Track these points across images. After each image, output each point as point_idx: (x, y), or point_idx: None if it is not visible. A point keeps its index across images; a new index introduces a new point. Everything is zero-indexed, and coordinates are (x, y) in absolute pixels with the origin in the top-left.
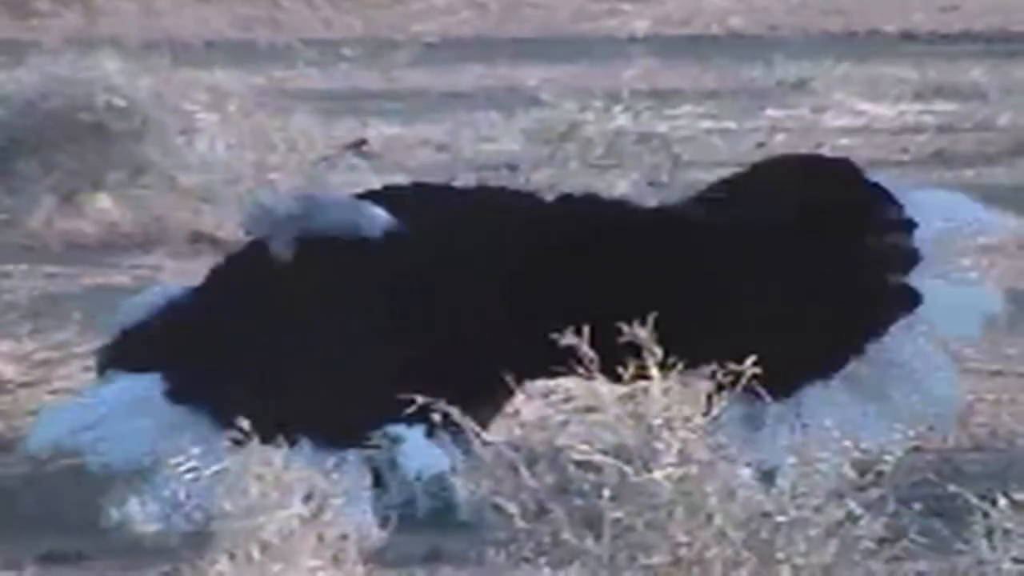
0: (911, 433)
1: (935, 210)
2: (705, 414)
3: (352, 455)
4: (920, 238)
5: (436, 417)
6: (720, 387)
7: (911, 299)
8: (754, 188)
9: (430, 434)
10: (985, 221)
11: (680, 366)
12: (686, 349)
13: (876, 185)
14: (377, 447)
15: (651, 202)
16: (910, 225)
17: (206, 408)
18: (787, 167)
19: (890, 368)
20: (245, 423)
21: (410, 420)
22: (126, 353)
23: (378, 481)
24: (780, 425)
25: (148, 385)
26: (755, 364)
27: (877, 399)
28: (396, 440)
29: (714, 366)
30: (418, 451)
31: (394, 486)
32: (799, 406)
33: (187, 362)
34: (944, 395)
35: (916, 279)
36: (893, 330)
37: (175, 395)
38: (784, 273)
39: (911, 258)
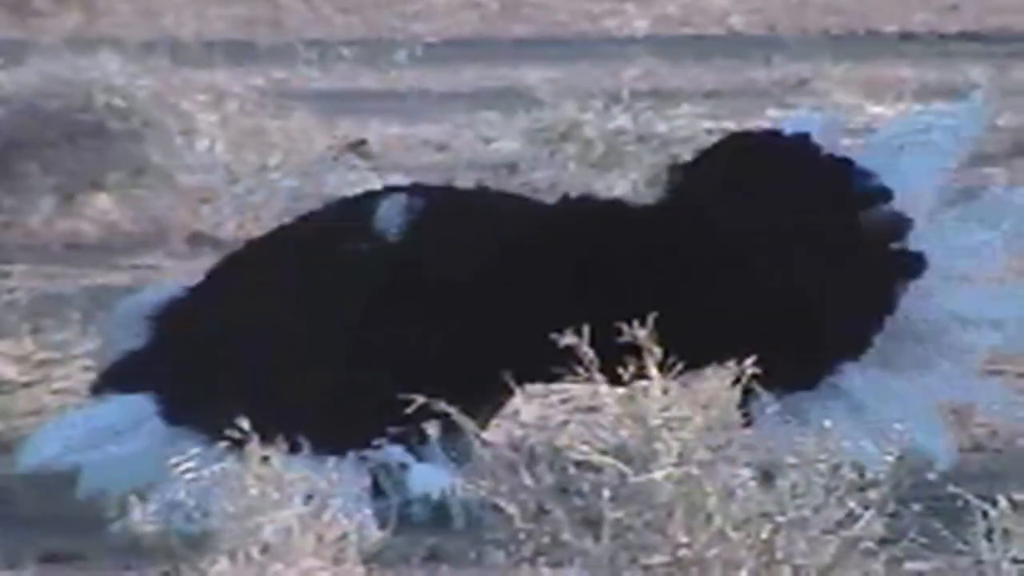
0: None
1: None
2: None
3: (351, 459)
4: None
5: (431, 429)
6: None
7: (911, 269)
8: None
9: (425, 444)
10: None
11: (679, 367)
12: (684, 348)
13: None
14: (376, 449)
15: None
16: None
17: (202, 427)
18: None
19: (907, 345)
20: (242, 429)
21: (407, 441)
22: (119, 373)
23: (377, 487)
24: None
25: (141, 406)
26: (770, 356)
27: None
28: (402, 466)
29: (713, 365)
30: (422, 474)
31: (392, 492)
32: (823, 394)
33: (181, 381)
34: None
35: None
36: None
37: (171, 416)
38: (778, 263)
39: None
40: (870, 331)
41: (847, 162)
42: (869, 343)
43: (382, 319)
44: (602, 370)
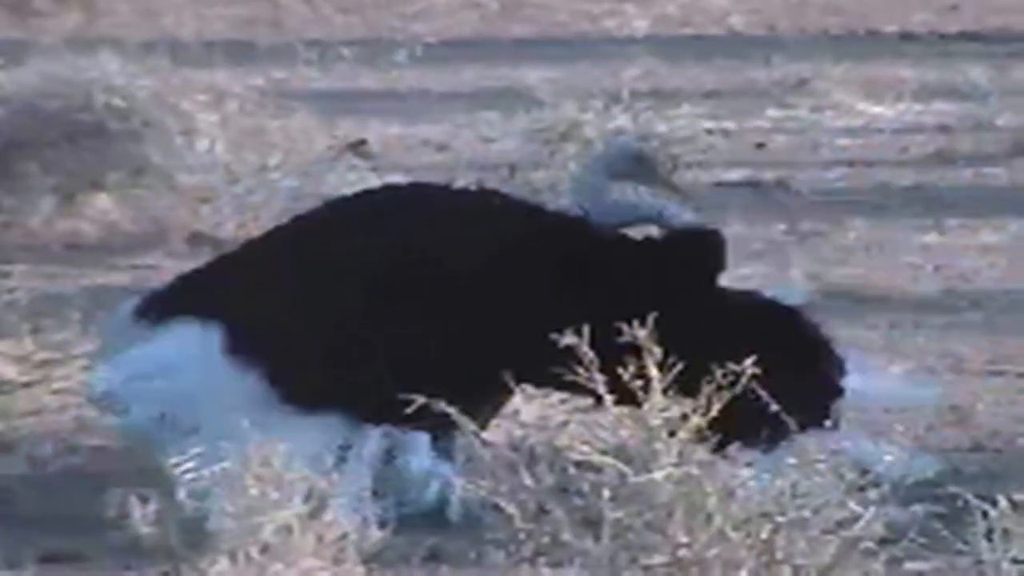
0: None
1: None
2: (704, 414)
3: (353, 455)
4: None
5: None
6: (719, 387)
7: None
8: None
9: (435, 437)
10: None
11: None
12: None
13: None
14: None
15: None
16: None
17: (257, 364)
18: None
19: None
20: (289, 385)
21: (415, 424)
22: (181, 301)
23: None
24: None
25: (204, 338)
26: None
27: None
28: (403, 444)
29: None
30: (424, 455)
31: (393, 488)
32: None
33: (242, 317)
34: None
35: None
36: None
37: (231, 347)
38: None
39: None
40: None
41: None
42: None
43: (382, 318)
44: (601, 372)
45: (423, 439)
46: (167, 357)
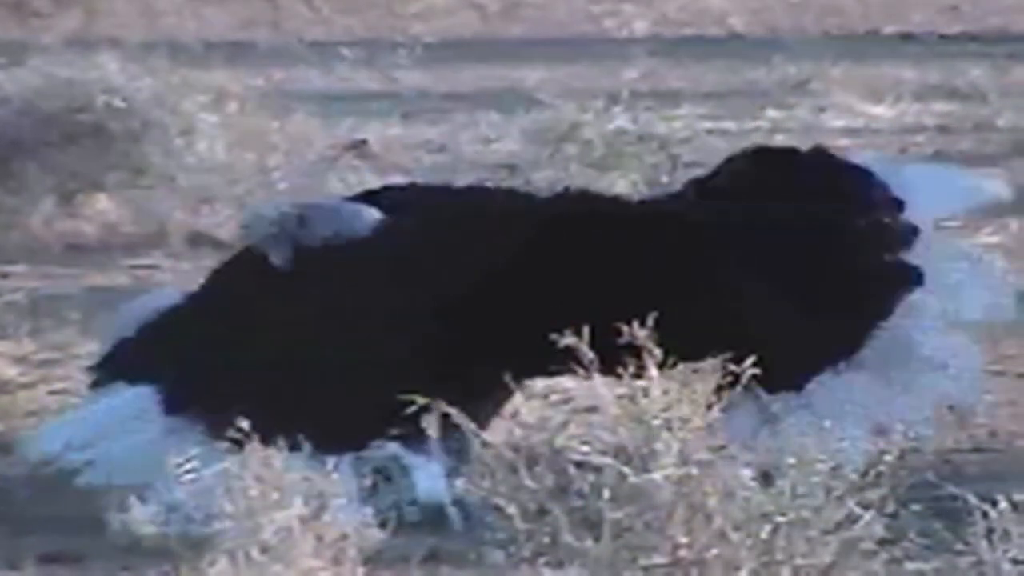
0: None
1: (926, 186)
2: (709, 407)
3: (350, 459)
4: (914, 216)
5: (432, 426)
6: (721, 387)
7: (912, 279)
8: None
9: (427, 447)
10: (976, 190)
11: (683, 363)
12: (687, 346)
13: (860, 168)
14: (378, 449)
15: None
16: (900, 204)
17: (202, 418)
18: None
19: (903, 348)
20: (242, 428)
21: (409, 440)
22: (121, 365)
23: (376, 485)
24: (791, 417)
25: (143, 397)
26: (760, 358)
27: (895, 380)
28: (404, 467)
29: (718, 362)
30: (424, 478)
31: (392, 490)
32: (810, 397)
33: (182, 372)
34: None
35: (915, 257)
36: (900, 311)
37: (171, 406)
38: (779, 264)
39: (908, 237)
40: (862, 336)
41: (857, 169)
42: (859, 348)
43: (381, 318)
44: (601, 369)
45: (431, 450)
46: (104, 421)
